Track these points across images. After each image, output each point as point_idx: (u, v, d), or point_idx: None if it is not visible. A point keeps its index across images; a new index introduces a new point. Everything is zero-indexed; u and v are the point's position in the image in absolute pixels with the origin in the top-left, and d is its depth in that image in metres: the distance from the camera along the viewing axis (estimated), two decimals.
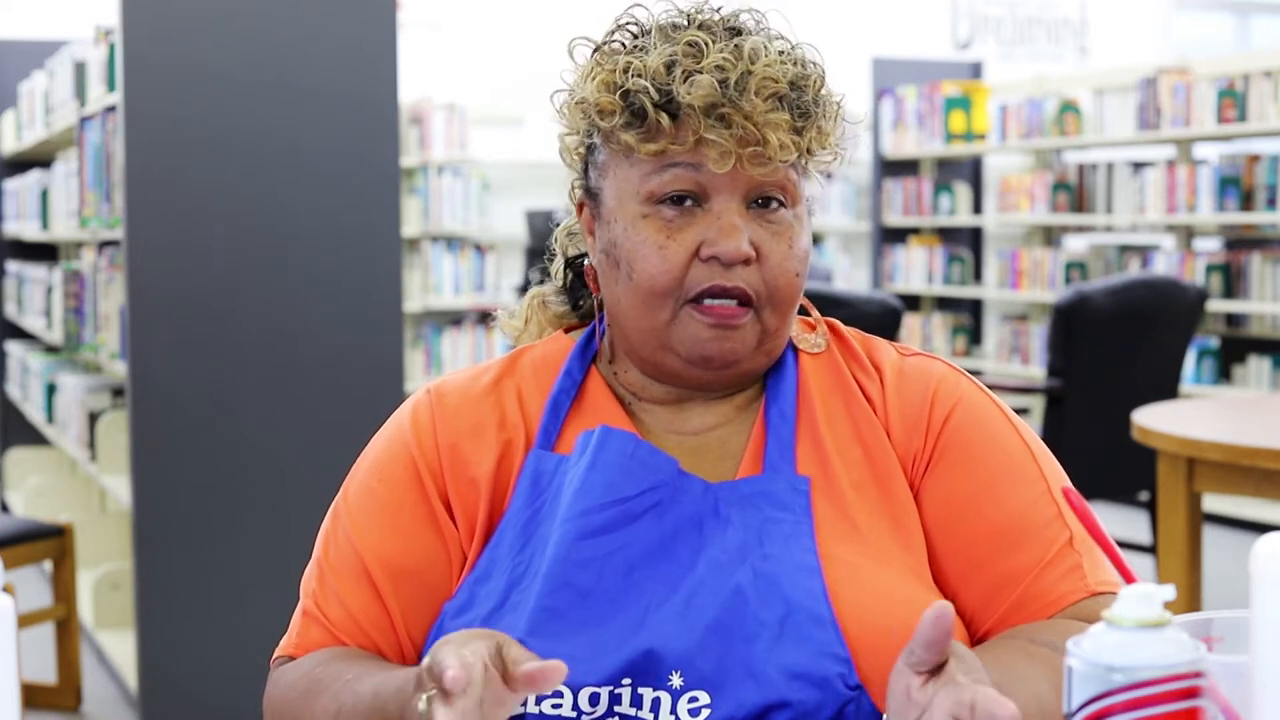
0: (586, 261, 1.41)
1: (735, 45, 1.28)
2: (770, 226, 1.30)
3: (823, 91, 1.32)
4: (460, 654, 1.05)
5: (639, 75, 1.28)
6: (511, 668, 1.07)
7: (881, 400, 1.35)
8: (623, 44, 1.33)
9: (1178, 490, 3.29)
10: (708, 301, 1.29)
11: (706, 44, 1.28)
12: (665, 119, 1.27)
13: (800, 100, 1.29)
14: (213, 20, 3.57)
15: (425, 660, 1.07)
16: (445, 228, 7.70)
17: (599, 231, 1.35)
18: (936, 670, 1.02)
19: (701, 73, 1.26)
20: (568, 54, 1.35)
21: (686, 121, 1.27)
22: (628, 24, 1.34)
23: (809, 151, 1.31)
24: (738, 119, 1.26)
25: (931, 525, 1.32)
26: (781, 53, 1.30)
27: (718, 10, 1.33)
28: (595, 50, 1.34)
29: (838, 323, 1.42)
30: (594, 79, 1.31)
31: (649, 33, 1.32)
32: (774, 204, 1.31)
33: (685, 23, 1.32)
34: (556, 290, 1.48)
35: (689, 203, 1.29)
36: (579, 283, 1.47)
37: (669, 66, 1.28)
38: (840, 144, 1.35)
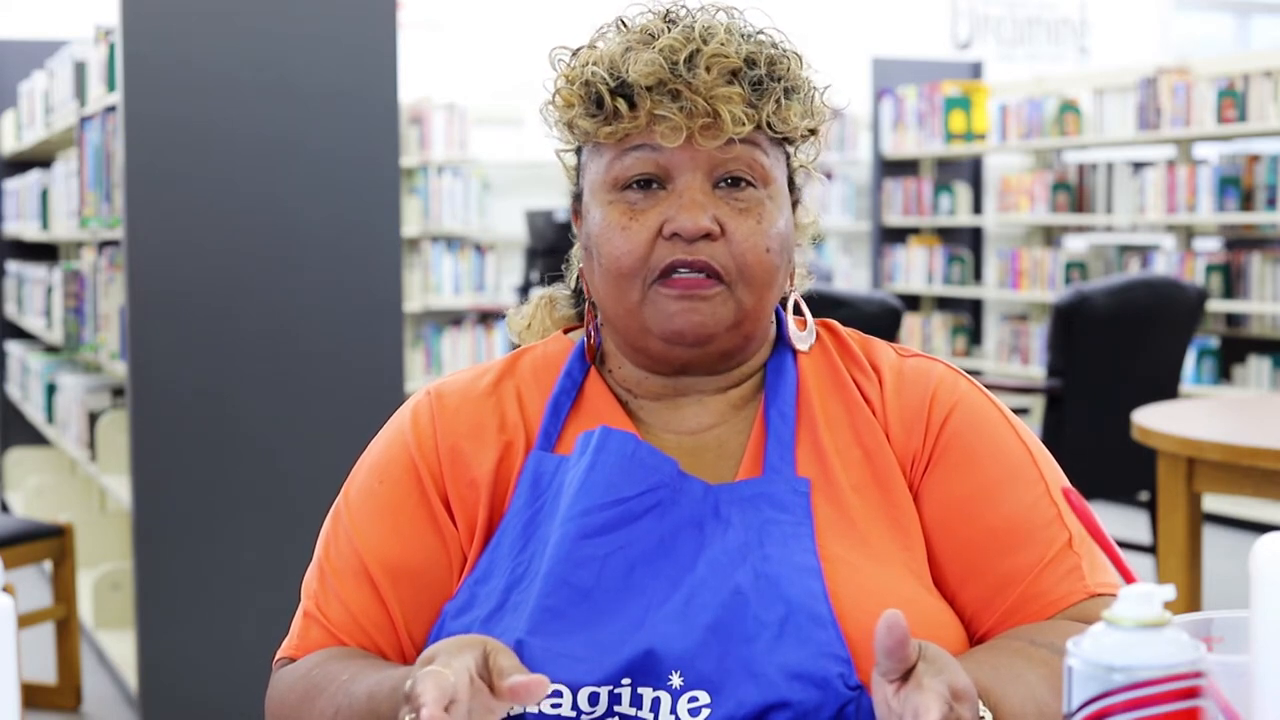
0: (580, 264, 1.41)
1: (688, 27, 1.30)
2: (737, 204, 1.30)
3: (790, 70, 1.32)
4: (440, 680, 1.05)
5: (596, 64, 1.30)
6: (498, 679, 1.07)
7: (880, 401, 1.35)
8: (593, 46, 1.34)
9: (1178, 490, 3.29)
10: (674, 275, 1.29)
11: (662, 30, 1.30)
12: (622, 103, 1.29)
13: (755, 75, 1.29)
14: (213, 20, 3.57)
15: (408, 683, 1.07)
16: (445, 228, 7.70)
17: (582, 229, 1.37)
18: (909, 675, 1.04)
19: (652, 52, 1.28)
20: (550, 64, 1.36)
21: (640, 103, 1.28)
22: (605, 31, 1.35)
23: (771, 127, 1.30)
24: (687, 94, 1.27)
25: (931, 526, 1.32)
26: (744, 34, 1.31)
27: (693, 13, 1.34)
28: (572, 55, 1.35)
29: (836, 324, 1.42)
30: (559, 77, 1.34)
31: (612, 28, 1.34)
32: (743, 183, 1.31)
33: (653, 18, 1.33)
34: (567, 296, 1.49)
35: (654, 186, 1.30)
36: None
37: (624, 52, 1.30)
38: (816, 121, 1.34)
